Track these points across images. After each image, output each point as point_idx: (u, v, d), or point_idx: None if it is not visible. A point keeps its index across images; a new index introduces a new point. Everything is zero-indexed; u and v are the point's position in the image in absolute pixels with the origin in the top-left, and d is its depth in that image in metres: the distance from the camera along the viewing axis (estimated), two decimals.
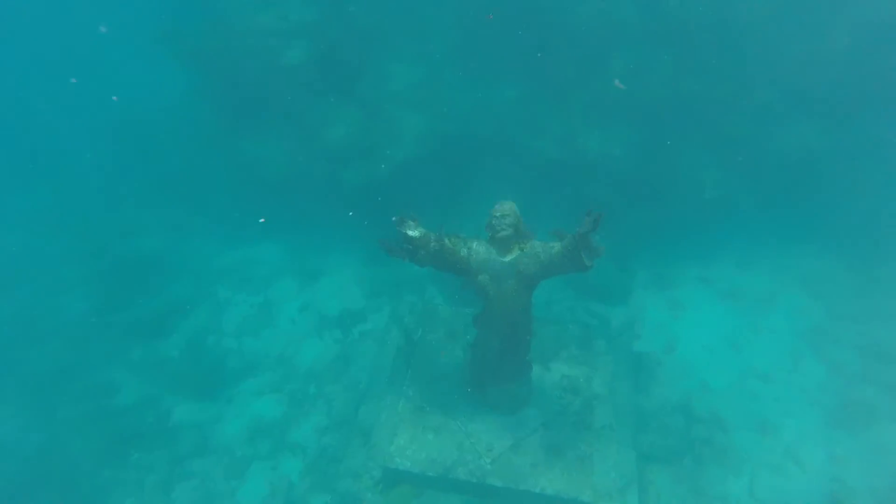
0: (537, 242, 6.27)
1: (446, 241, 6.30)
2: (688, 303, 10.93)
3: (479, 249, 6.37)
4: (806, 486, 8.22)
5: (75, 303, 11.45)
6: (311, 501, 8.22)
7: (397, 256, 6.30)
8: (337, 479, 7.97)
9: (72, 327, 10.91)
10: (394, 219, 5.97)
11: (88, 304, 11.38)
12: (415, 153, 11.34)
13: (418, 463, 7.38)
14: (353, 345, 10.41)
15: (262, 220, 11.39)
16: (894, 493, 8.12)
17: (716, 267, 11.45)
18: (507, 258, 6.28)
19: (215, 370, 10.04)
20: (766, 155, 10.56)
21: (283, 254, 12.37)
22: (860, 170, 10.95)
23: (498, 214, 6.10)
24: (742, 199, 10.75)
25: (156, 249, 12.62)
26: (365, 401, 8.71)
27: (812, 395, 9.33)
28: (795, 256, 11.44)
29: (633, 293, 11.10)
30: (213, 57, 11.98)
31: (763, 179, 10.83)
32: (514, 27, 11.34)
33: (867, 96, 10.15)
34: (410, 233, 6.03)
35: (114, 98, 14.90)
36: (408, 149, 11.39)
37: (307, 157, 11.69)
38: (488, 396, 7.58)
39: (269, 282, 11.80)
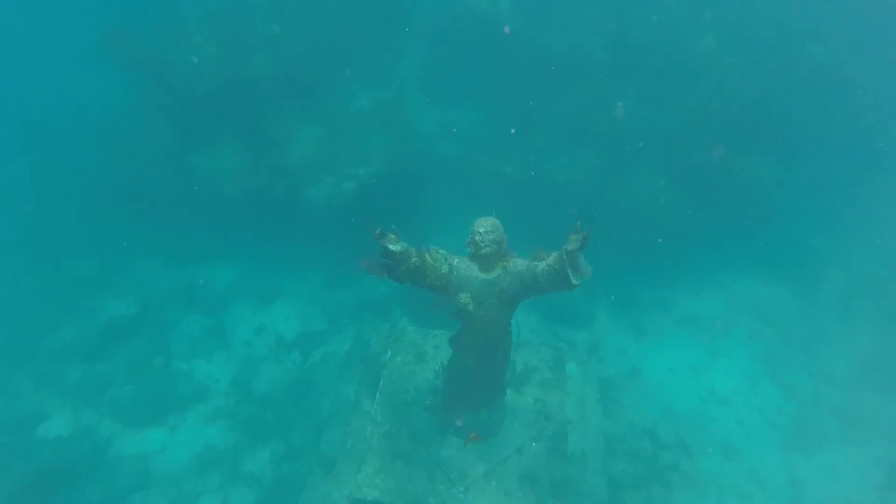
0: (520, 260, 6.10)
1: (427, 256, 6.05)
2: (649, 327, 11.10)
3: (460, 266, 6.15)
4: None
5: None
6: None
7: (375, 273, 5.98)
8: None
9: None
10: (375, 232, 5.68)
11: (15, 325, 10.33)
12: (379, 171, 11.13)
13: (388, 493, 6.95)
14: (314, 368, 9.90)
15: None
16: None
17: (674, 293, 11.73)
18: (490, 276, 6.10)
19: (162, 395, 9.25)
20: (720, 184, 11.00)
21: (238, 273, 11.71)
22: (806, 200, 11.61)
23: (482, 230, 5.88)
24: (697, 224, 11.11)
25: (94, 268, 11.67)
26: (328, 428, 8.22)
27: (770, 418, 9.58)
28: (747, 283, 11.91)
29: (596, 317, 11.17)
30: (167, 65, 11.41)
31: (716, 208, 11.25)
32: (479, 53, 11.49)
33: (817, 131, 10.83)
34: (392, 247, 5.74)
35: None
36: (372, 167, 11.17)
37: (266, 173, 11.23)
38: (462, 422, 7.27)
39: (222, 302, 11.12)
